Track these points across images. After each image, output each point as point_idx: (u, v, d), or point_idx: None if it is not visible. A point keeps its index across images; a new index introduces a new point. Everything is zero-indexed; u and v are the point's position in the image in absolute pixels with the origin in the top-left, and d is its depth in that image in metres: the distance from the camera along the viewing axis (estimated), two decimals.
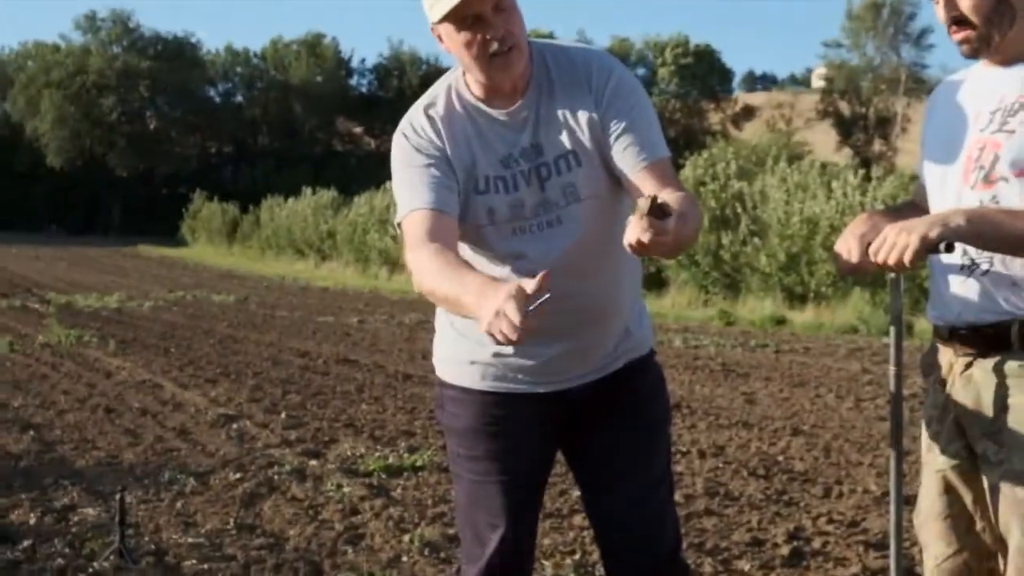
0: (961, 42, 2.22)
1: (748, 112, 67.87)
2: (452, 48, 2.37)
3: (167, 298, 20.40)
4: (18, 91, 65.05)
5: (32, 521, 5.27)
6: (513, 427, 2.56)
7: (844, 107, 58.91)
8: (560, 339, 2.45)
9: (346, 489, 5.86)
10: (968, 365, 2.29)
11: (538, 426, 2.58)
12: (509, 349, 2.35)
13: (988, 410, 2.26)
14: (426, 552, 4.59)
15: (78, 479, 6.21)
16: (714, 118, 68.10)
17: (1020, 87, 2.21)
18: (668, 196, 2.15)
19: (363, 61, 77.95)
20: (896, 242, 2.12)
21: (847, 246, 2.30)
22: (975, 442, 2.31)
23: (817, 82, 69.93)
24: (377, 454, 6.65)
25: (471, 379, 2.55)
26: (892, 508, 2.49)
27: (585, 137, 2.40)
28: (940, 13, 2.27)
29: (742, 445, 6.93)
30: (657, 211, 1.92)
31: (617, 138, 2.37)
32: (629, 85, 2.45)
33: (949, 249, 2.14)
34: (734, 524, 5.07)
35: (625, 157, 2.36)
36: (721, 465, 6.20)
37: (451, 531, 4.77)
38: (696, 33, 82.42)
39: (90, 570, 4.53)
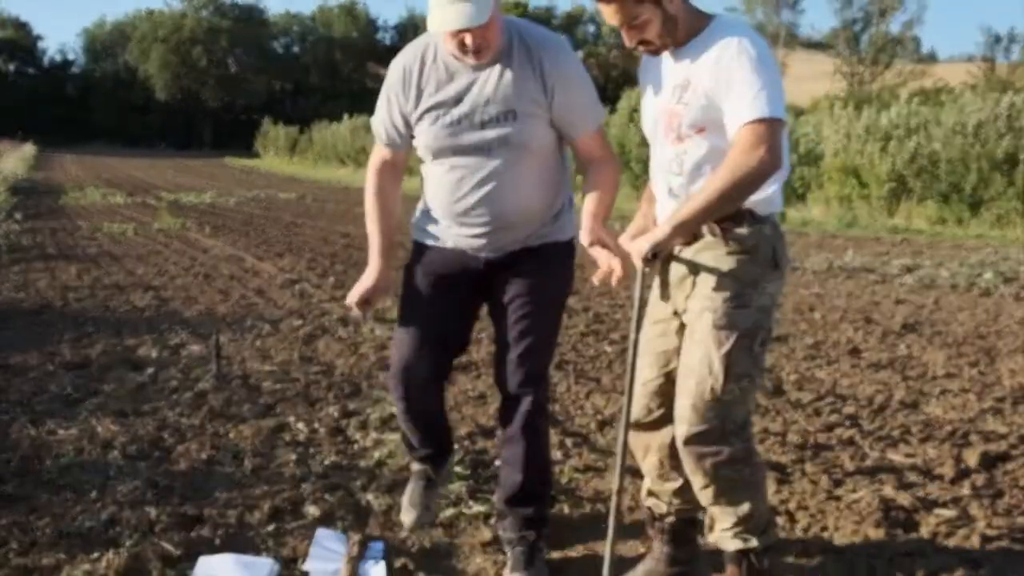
0: (646, 52, 2.75)
1: None
2: (434, 30, 2.80)
3: (246, 196, 22.45)
4: (134, 45, 74.79)
5: (154, 355, 6.18)
6: (444, 280, 3.09)
7: None
8: (483, 235, 3.01)
9: (377, 331, 6.85)
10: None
11: (463, 280, 3.07)
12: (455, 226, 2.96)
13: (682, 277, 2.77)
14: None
15: (186, 325, 7.12)
16: None
17: (686, 69, 2.66)
18: (595, 170, 2.94)
19: (386, 21, 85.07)
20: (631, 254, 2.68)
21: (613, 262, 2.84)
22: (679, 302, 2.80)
23: None
24: None
25: (427, 238, 3.15)
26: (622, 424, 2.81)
27: (522, 103, 2.85)
28: (624, 36, 2.67)
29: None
30: None
31: (559, 113, 2.88)
32: (569, 72, 2.89)
33: (656, 257, 2.64)
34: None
35: (564, 128, 2.91)
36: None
37: None
38: None
39: (195, 389, 5.33)
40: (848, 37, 62.24)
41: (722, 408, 2.66)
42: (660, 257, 2.66)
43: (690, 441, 2.70)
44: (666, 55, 2.73)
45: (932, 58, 72.70)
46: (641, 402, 2.93)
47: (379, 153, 3.11)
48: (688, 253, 2.74)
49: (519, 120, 2.86)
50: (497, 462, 3.75)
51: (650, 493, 3.06)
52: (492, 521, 3.48)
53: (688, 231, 2.62)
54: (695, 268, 2.72)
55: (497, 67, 2.85)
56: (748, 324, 2.66)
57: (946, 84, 39.06)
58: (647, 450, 2.99)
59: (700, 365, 2.66)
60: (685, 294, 2.76)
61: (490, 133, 2.89)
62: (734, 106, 2.52)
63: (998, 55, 61.78)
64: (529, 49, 2.85)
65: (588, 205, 2.92)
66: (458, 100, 2.90)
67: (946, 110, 17.21)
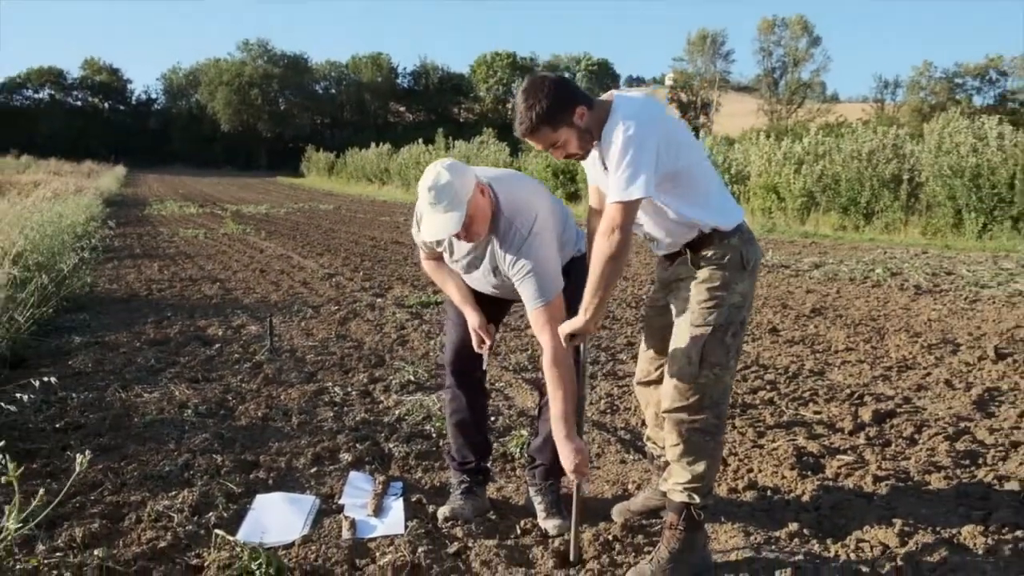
0: (576, 159, 2.63)
1: None
2: (426, 239, 2.74)
3: (294, 207, 22.32)
4: (204, 87, 74.65)
5: (220, 333, 6.07)
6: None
7: (683, 96, 67.08)
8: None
9: (398, 315, 6.75)
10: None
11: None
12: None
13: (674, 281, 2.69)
14: (442, 350, 4.38)
15: (245, 310, 7.00)
16: None
17: (596, 157, 2.60)
18: (547, 378, 2.60)
19: (404, 68, 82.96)
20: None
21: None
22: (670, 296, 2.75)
23: (668, 81, 74.52)
24: (416, 295, 7.70)
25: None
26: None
27: (498, 272, 2.74)
28: (553, 155, 2.60)
29: (624, 290, 8.12)
30: None
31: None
32: (520, 269, 2.65)
33: (574, 338, 2.57)
34: (617, 334, 6.12)
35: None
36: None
37: None
38: (596, 50, 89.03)
39: (253, 361, 5.26)
40: (769, 82, 63.57)
41: (699, 388, 2.58)
42: (580, 338, 2.58)
43: (671, 411, 2.64)
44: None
45: (835, 99, 73.29)
46: (642, 366, 2.92)
47: (424, 255, 3.02)
48: (673, 264, 2.71)
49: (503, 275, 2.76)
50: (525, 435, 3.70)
51: (648, 438, 3.03)
52: (490, 464, 3.40)
53: (599, 316, 2.54)
54: (677, 277, 2.68)
55: (486, 246, 2.76)
56: (721, 320, 2.57)
57: (846, 120, 39.28)
58: (647, 404, 2.96)
59: (682, 355, 2.59)
60: (672, 293, 2.73)
61: (492, 278, 2.85)
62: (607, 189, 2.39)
63: (887, 97, 62.64)
64: (500, 242, 2.74)
65: (552, 419, 2.70)
66: (463, 256, 2.85)
67: (846, 140, 17.25)
